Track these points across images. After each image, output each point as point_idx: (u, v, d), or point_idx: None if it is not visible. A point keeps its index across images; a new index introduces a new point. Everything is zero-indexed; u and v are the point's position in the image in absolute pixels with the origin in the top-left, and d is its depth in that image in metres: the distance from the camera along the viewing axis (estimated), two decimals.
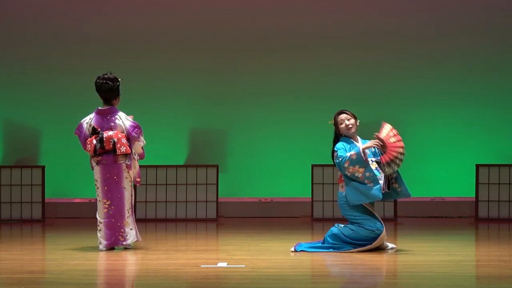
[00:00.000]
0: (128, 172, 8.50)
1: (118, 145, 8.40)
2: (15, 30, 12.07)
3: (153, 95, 12.00)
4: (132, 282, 6.91)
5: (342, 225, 8.31)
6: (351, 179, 8.18)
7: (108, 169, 8.45)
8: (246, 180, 12.11)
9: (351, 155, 8.12)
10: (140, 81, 11.73)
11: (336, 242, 8.24)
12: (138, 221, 8.88)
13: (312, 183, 11.67)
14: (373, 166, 8.21)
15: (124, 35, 12.09)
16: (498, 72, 11.96)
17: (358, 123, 8.42)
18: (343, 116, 8.41)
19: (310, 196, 11.71)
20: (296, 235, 9.75)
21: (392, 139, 8.27)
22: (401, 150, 8.21)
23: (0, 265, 7.58)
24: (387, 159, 8.18)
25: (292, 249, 8.31)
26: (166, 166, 11.81)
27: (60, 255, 8.20)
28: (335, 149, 8.30)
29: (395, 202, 11.62)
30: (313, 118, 11.91)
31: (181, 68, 12.11)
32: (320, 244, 8.31)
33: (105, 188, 8.47)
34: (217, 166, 11.85)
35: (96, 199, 8.56)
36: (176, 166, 11.83)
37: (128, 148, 8.44)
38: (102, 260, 7.90)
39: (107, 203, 8.47)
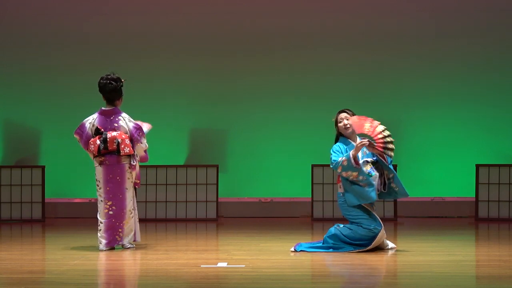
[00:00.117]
0: (130, 173, 8.53)
1: (122, 146, 8.42)
2: (15, 30, 12.07)
3: (153, 95, 12.00)
4: (132, 282, 6.91)
5: (342, 225, 8.32)
6: (348, 180, 8.20)
7: (111, 170, 8.46)
8: (246, 180, 12.11)
9: (342, 161, 8.14)
10: (140, 81, 11.73)
11: (335, 242, 8.25)
12: (138, 221, 8.88)
13: (312, 183, 11.67)
14: (368, 167, 8.20)
15: (124, 35, 12.09)
16: (498, 72, 11.96)
17: None
18: (343, 115, 8.41)
19: (310, 196, 11.72)
20: (296, 235, 9.75)
21: (367, 125, 8.17)
22: (382, 132, 8.15)
23: (0, 265, 7.58)
24: (380, 149, 8.15)
25: (292, 249, 8.32)
26: (166, 166, 11.82)
27: (60, 255, 8.20)
28: (330, 151, 8.32)
29: (395, 202, 11.62)
30: (313, 118, 11.91)
31: (181, 68, 12.12)
32: (320, 245, 8.31)
33: (108, 188, 8.48)
34: (217, 166, 11.85)
35: (97, 199, 8.56)
36: (176, 166, 11.83)
37: (131, 149, 8.47)
38: (102, 260, 7.90)
39: (108, 203, 8.47)
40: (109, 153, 8.45)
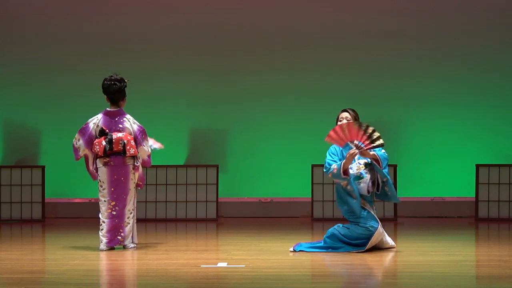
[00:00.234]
0: (134, 174, 8.54)
1: (128, 147, 8.44)
2: (15, 30, 12.07)
3: (153, 95, 12.00)
4: (132, 282, 6.91)
5: (341, 225, 8.33)
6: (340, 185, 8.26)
7: (116, 171, 8.48)
8: (246, 180, 12.11)
9: (333, 168, 8.19)
10: (140, 81, 11.72)
11: (334, 242, 8.26)
12: (138, 221, 8.88)
13: (312, 183, 11.67)
14: (361, 168, 8.20)
15: (124, 35, 12.09)
16: (498, 72, 11.96)
17: None
18: (343, 114, 8.41)
19: (310, 196, 11.71)
20: (296, 235, 9.75)
21: (345, 131, 8.15)
22: (365, 131, 8.10)
23: (0, 265, 7.59)
24: (370, 148, 8.14)
25: (291, 249, 8.32)
26: (166, 166, 11.81)
27: (60, 255, 8.20)
28: (327, 153, 8.35)
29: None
30: (313, 118, 11.91)
31: (181, 68, 12.12)
32: (319, 245, 8.32)
33: (112, 189, 8.49)
34: (217, 166, 11.85)
35: (98, 200, 8.56)
36: (176, 166, 11.83)
37: (136, 150, 8.49)
38: (102, 260, 7.90)
39: (112, 203, 8.48)
40: (114, 154, 8.46)
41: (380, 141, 8.13)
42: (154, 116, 11.59)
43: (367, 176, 8.23)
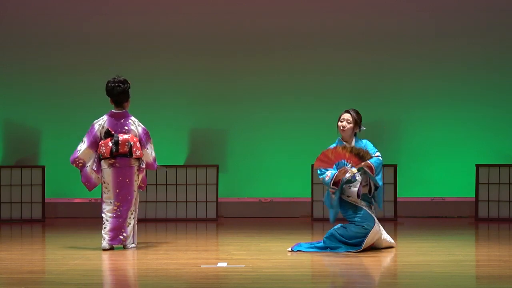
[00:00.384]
0: (138, 175, 8.56)
1: (134, 149, 8.47)
2: (15, 30, 12.07)
3: (153, 95, 12.00)
4: (132, 282, 6.91)
5: (339, 225, 8.35)
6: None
7: (121, 172, 8.49)
8: (246, 180, 12.11)
9: (326, 175, 8.27)
10: (140, 81, 11.70)
11: (332, 242, 8.28)
12: (138, 221, 8.88)
13: (312, 183, 11.66)
14: (354, 170, 8.20)
15: (124, 35, 12.09)
16: (498, 72, 11.96)
17: (357, 129, 8.38)
18: (345, 115, 8.40)
19: (310, 196, 11.71)
20: (296, 235, 9.75)
21: (332, 156, 8.17)
22: (352, 152, 8.13)
23: (0, 265, 7.59)
24: (360, 162, 8.15)
25: (289, 249, 8.33)
26: (166, 166, 11.80)
27: (60, 255, 8.20)
28: None
29: (395, 202, 11.62)
30: (313, 118, 11.92)
31: (181, 68, 12.12)
32: (319, 245, 8.33)
33: (117, 190, 8.51)
34: (217, 166, 11.85)
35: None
36: (176, 166, 11.83)
37: (142, 152, 8.51)
38: (102, 260, 7.90)
39: (117, 204, 8.50)
40: (120, 156, 8.48)
41: (369, 155, 8.14)
42: (154, 116, 11.59)
43: (359, 180, 8.23)
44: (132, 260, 7.99)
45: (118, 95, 8.56)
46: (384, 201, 11.49)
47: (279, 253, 8.24)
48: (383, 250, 8.33)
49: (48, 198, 11.88)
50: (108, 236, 8.46)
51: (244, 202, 12.09)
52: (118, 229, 8.49)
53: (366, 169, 8.22)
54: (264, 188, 12.08)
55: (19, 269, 7.32)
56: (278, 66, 12.09)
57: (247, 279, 6.76)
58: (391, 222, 11.28)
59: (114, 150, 8.46)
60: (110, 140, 8.48)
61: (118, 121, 8.56)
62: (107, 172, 8.52)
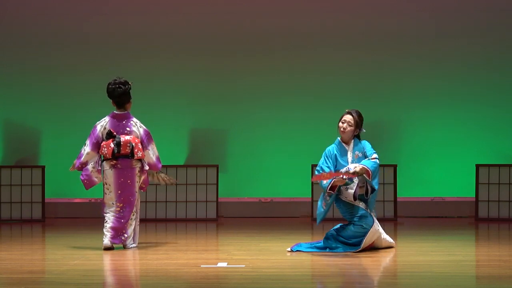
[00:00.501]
0: (140, 176, 8.57)
1: (136, 150, 8.49)
2: (15, 30, 12.07)
3: (153, 95, 11.99)
4: (132, 282, 6.91)
5: (339, 225, 8.35)
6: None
7: (123, 173, 8.51)
8: (246, 180, 12.11)
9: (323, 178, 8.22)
10: (140, 81, 11.68)
11: (331, 242, 8.28)
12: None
13: (312, 183, 11.66)
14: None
15: (124, 35, 12.09)
16: (498, 72, 11.96)
17: (357, 132, 8.39)
18: (347, 117, 8.39)
19: (310, 196, 11.71)
20: (296, 235, 9.75)
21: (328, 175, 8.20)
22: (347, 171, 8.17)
23: (0, 265, 7.59)
24: (355, 176, 8.18)
25: (289, 249, 8.33)
26: (166, 166, 11.79)
27: (60, 255, 8.20)
28: (322, 154, 8.37)
29: (395, 202, 11.62)
30: (313, 118, 11.92)
31: (181, 68, 12.12)
32: (318, 245, 8.33)
33: (119, 192, 8.52)
34: (217, 166, 11.85)
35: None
36: (176, 166, 11.83)
37: (143, 153, 8.52)
38: (102, 260, 7.90)
39: (119, 205, 8.51)
40: (121, 157, 8.49)
41: (367, 172, 8.16)
42: (154, 116, 11.58)
43: (355, 182, 8.23)
44: (132, 260, 7.99)
45: (120, 97, 8.57)
46: (384, 201, 11.56)
47: (279, 253, 8.24)
48: (382, 250, 8.33)
49: (48, 198, 11.88)
50: (110, 233, 8.47)
51: (244, 202, 12.09)
52: (119, 230, 8.50)
53: (364, 175, 8.22)
54: (264, 188, 12.08)
55: (19, 269, 7.32)
56: (278, 66, 12.09)
57: (247, 279, 6.76)
58: (391, 222, 11.28)
59: (116, 151, 8.47)
60: (112, 141, 8.49)
61: (120, 122, 8.58)
62: (109, 173, 8.53)
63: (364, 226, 8.19)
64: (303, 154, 11.85)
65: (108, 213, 8.54)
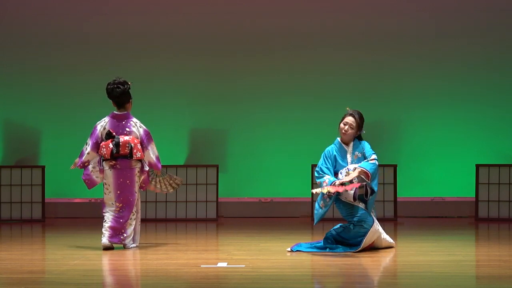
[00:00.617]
0: (139, 177, 8.58)
1: (135, 151, 8.49)
2: (15, 30, 12.07)
3: (153, 95, 11.99)
4: (132, 282, 6.91)
5: (339, 225, 8.35)
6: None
7: (122, 174, 8.51)
8: (246, 180, 12.11)
9: (323, 181, 8.26)
10: (140, 81, 11.69)
11: (331, 242, 8.28)
12: None
13: (312, 183, 11.66)
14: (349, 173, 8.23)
15: (124, 35, 12.09)
16: (498, 72, 11.96)
17: (357, 134, 8.39)
18: (348, 119, 8.37)
19: (310, 196, 11.71)
20: (296, 235, 9.75)
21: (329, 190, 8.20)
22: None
23: (0, 265, 7.59)
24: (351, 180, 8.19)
25: (289, 249, 8.33)
26: (166, 166, 11.79)
27: (60, 255, 8.20)
28: (321, 155, 8.37)
29: (395, 202, 11.62)
30: (313, 118, 11.92)
31: (181, 68, 12.12)
32: (318, 245, 8.33)
33: (118, 192, 8.53)
34: (217, 166, 11.85)
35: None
36: (176, 166, 11.83)
37: (142, 153, 8.52)
38: (102, 260, 7.90)
39: (119, 206, 8.52)
40: (120, 157, 8.49)
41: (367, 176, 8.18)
42: (154, 116, 11.58)
43: (355, 182, 8.23)
44: (132, 260, 7.99)
45: (119, 97, 8.58)
46: (384, 201, 11.56)
47: (279, 253, 8.24)
48: (382, 250, 8.33)
49: (48, 198, 11.88)
50: (108, 233, 8.48)
51: (244, 202, 12.09)
52: (118, 229, 8.51)
53: (362, 176, 8.22)
54: (264, 188, 12.08)
55: (19, 269, 7.32)
56: (278, 66, 12.09)
57: (247, 279, 6.76)
58: (391, 222, 11.28)
59: (114, 151, 8.48)
60: (111, 141, 8.49)
61: (120, 122, 8.58)
62: (108, 174, 8.54)
63: (364, 226, 8.20)
64: (303, 154, 11.85)
65: (107, 212, 8.55)
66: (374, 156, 8.29)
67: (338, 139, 8.42)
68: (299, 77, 12.08)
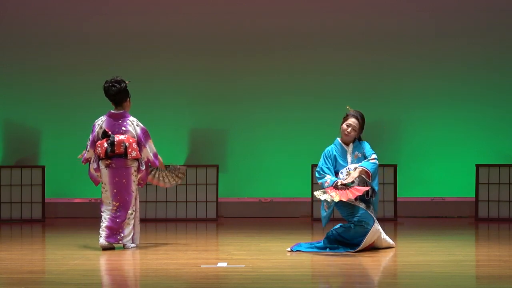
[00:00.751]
0: (136, 176, 8.57)
1: (130, 150, 8.48)
2: (15, 30, 12.07)
3: (153, 95, 12.00)
4: (132, 282, 6.91)
5: (338, 225, 8.36)
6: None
7: (117, 173, 8.51)
8: (246, 180, 12.11)
9: (325, 181, 8.26)
10: (140, 81, 11.71)
11: (331, 242, 8.28)
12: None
13: (312, 183, 11.66)
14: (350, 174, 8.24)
15: (124, 35, 12.09)
16: (498, 72, 11.96)
17: (359, 135, 8.39)
18: (351, 121, 8.36)
19: (310, 196, 11.71)
20: (296, 235, 9.75)
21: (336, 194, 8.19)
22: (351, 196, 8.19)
23: (0, 265, 7.59)
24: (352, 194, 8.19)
25: (289, 249, 8.33)
26: (166, 166, 11.79)
27: (60, 255, 8.20)
28: (321, 155, 8.37)
29: (395, 202, 11.62)
30: (313, 118, 11.92)
31: (181, 68, 12.12)
32: (318, 245, 8.33)
33: (114, 191, 8.52)
34: (217, 166, 11.85)
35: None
36: None
37: (138, 153, 8.52)
38: (102, 260, 7.90)
39: (115, 205, 8.52)
40: (116, 156, 8.49)
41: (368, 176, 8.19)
42: (154, 116, 11.59)
43: (355, 182, 8.23)
44: (132, 260, 7.99)
45: (115, 95, 8.57)
46: (384, 201, 11.56)
47: (279, 253, 8.24)
48: (382, 250, 8.33)
49: (48, 198, 11.88)
50: (105, 233, 8.48)
51: (244, 202, 12.09)
52: (115, 229, 8.50)
53: (363, 175, 8.22)
54: (264, 188, 12.08)
55: (19, 269, 7.32)
56: (278, 66, 12.09)
57: (247, 279, 6.76)
58: (391, 222, 11.28)
59: (109, 150, 8.47)
60: (106, 140, 8.49)
61: (116, 121, 8.57)
62: (104, 173, 8.54)
63: (365, 226, 8.20)
64: (303, 154, 11.85)
65: (104, 212, 8.55)
66: (374, 156, 8.29)
67: (338, 139, 8.42)
68: (299, 77, 12.08)
